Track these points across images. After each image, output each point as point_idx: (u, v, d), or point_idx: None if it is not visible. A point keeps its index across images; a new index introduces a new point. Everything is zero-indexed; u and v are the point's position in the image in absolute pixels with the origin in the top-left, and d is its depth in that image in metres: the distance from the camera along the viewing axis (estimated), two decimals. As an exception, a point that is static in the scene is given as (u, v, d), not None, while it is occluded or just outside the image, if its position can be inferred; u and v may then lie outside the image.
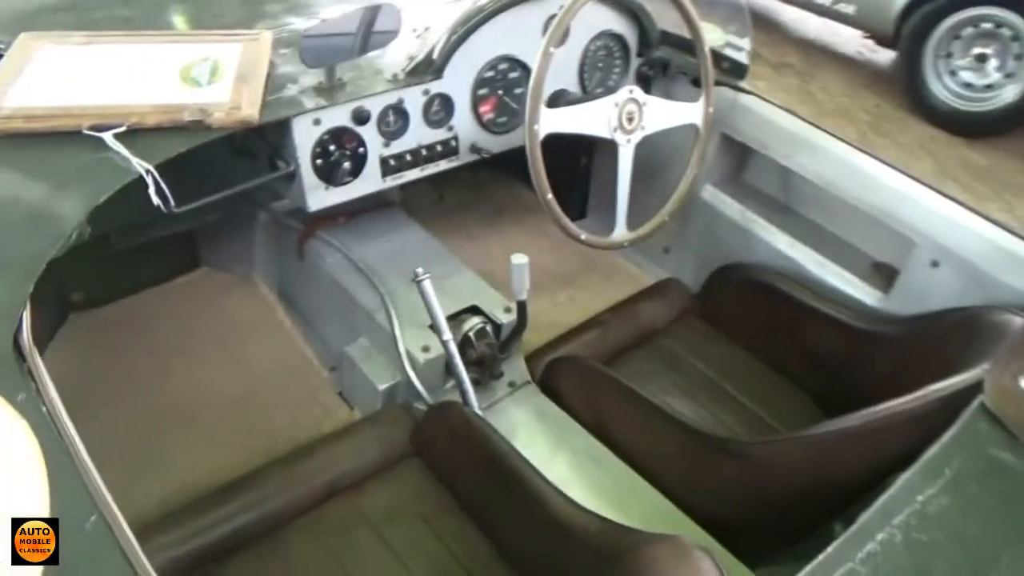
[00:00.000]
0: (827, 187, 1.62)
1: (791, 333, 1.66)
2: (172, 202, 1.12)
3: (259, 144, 1.32)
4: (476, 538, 1.25)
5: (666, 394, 1.56)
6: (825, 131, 1.61)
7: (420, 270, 1.30)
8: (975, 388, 1.05)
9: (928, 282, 1.49)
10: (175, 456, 1.41)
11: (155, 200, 1.09)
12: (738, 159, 1.88)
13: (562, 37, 1.33)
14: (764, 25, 4.68)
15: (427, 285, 1.30)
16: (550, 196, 1.39)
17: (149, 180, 1.08)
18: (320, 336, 1.70)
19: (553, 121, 1.36)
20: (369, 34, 1.32)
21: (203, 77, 1.27)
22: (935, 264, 1.48)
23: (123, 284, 1.71)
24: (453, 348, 1.34)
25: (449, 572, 1.20)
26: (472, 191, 2.07)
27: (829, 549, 0.74)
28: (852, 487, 1.26)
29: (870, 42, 4.21)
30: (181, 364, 1.61)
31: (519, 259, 1.26)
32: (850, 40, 4.56)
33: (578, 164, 2.04)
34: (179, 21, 1.55)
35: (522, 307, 1.33)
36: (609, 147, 1.51)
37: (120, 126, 1.13)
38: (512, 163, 1.59)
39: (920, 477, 0.83)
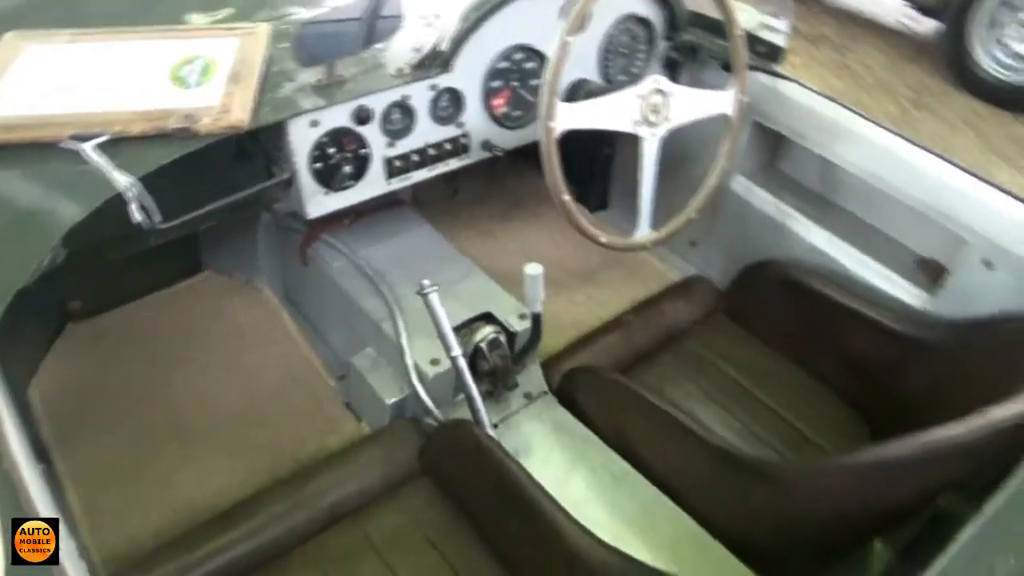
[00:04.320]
0: (869, 179, 1.49)
1: (828, 335, 1.55)
2: (158, 217, 1.05)
3: (254, 147, 1.23)
4: (487, 563, 1.18)
5: (694, 402, 1.47)
6: (868, 118, 1.49)
7: (426, 282, 1.22)
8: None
9: (980, 284, 1.37)
10: (173, 477, 1.35)
11: (137, 217, 1.02)
12: (772, 148, 1.76)
13: (581, 24, 1.22)
14: (798, -6, 4.48)
15: (433, 298, 1.21)
16: (566, 197, 1.30)
17: (130, 195, 1.00)
18: (327, 343, 1.63)
19: (570, 117, 1.26)
20: (373, 25, 1.23)
21: (192, 77, 1.19)
22: (988, 265, 1.35)
23: (123, 290, 1.65)
24: (462, 363, 1.26)
25: (461, 606, 1.13)
26: (488, 183, 1.97)
27: None
28: (897, 513, 1.16)
29: (912, 11, 4.00)
30: (182, 374, 1.54)
31: (533, 269, 1.17)
32: (891, 10, 4.35)
33: (600, 153, 1.93)
34: (175, 13, 1.46)
35: (536, 319, 1.24)
36: (634, 139, 1.40)
37: (103, 135, 1.05)
38: (531, 152, 1.49)
39: (984, 533, 0.73)
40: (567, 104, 1.26)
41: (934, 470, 1.04)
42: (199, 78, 1.19)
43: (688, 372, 1.54)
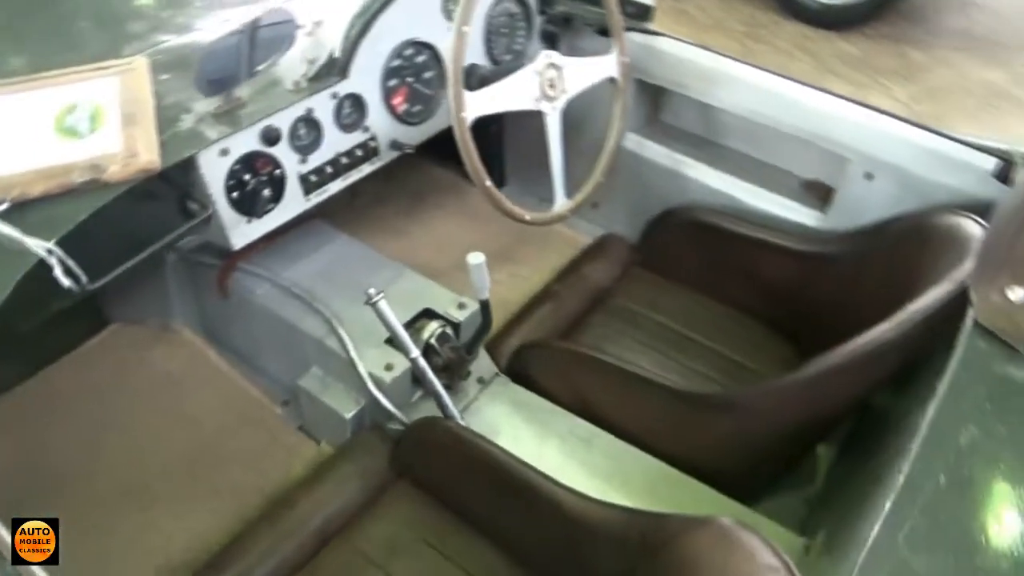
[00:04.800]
0: (751, 116, 1.60)
1: (739, 267, 1.66)
2: (84, 278, 0.99)
3: (162, 187, 1.17)
4: (488, 551, 1.20)
5: (634, 354, 1.54)
6: (742, 61, 1.59)
7: (372, 291, 1.21)
8: (953, 303, 1.07)
9: (865, 195, 1.51)
10: (141, 541, 1.29)
11: (65, 282, 0.96)
12: (653, 102, 1.85)
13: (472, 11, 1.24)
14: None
15: (383, 306, 1.21)
16: (489, 183, 1.32)
17: (53, 261, 0.94)
18: (264, 373, 1.58)
19: (478, 105, 1.28)
20: (255, 42, 1.19)
21: (82, 125, 1.11)
22: (869, 176, 1.49)
23: (26, 363, 1.53)
24: (423, 363, 1.27)
25: (471, 596, 1.16)
26: (385, 183, 1.95)
27: (887, 506, 0.72)
28: (837, 417, 1.28)
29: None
30: (118, 436, 1.45)
31: (476, 258, 1.19)
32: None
33: (489, 132, 1.96)
34: (30, 62, 1.35)
35: (485, 306, 1.26)
36: (526, 113, 1.43)
37: (2, 203, 0.98)
38: (424, 146, 1.50)
39: (944, 412, 0.83)
40: (472, 93, 1.28)
41: (869, 369, 1.14)
42: (90, 125, 1.11)
43: (621, 327, 1.61)
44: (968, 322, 0.95)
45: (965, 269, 1.10)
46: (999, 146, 1.36)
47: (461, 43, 1.21)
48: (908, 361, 1.16)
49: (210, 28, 1.38)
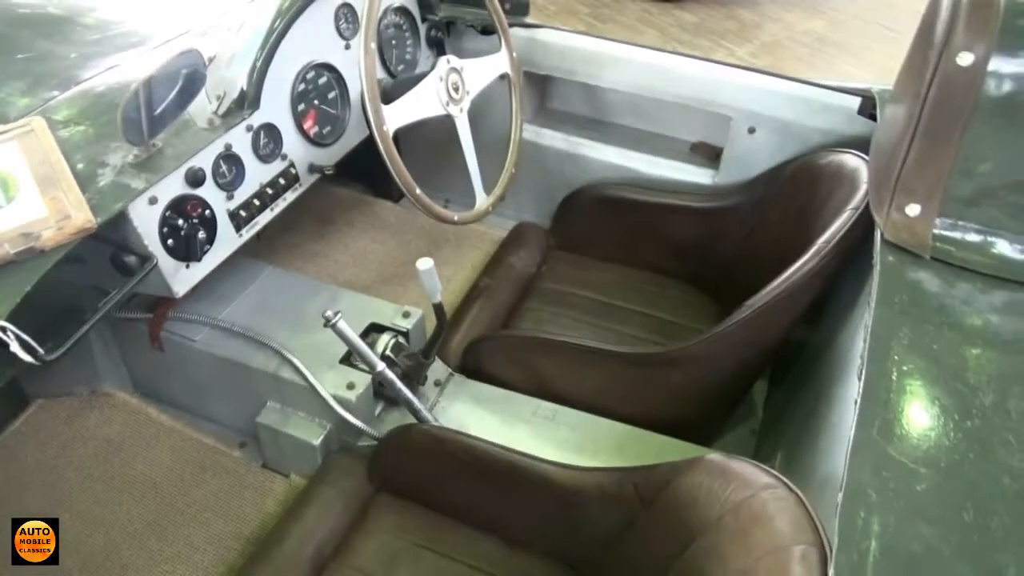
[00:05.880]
0: (637, 91, 1.71)
1: (649, 233, 1.78)
2: (40, 350, 0.95)
3: (91, 247, 1.13)
4: (482, 541, 1.25)
5: (572, 331, 1.62)
6: (622, 42, 1.70)
7: (329, 312, 1.22)
8: (856, 228, 1.21)
9: (750, 148, 1.65)
10: None
11: (24, 356, 0.92)
12: (541, 91, 1.93)
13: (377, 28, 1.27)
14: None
15: (343, 325, 1.22)
16: (419, 191, 1.35)
17: (8, 337, 0.90)
18: (213, 420, 1.54)
19: (395, 117, 1.31)
20: (152, 86, 1.16)
21: (-4, 196, 1.06)
22: (752, 131, 1.64)
23: None
24: (391, 375, 1.29)
25: (479, 584, 1.20)
26: (289, 211, 1.94)
27: (850, 436, 0.81)
28: (774, 350, 1.40)
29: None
30: (66, 516, 1.38)
31: (425, 264, 1.22)
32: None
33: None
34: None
35: (439, 309, 1.30)
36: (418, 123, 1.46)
37: (-66, 289, 0.93)
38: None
39: (880, 320, 0.94)
40: (388, 107, 1.30)
41: (797, 298, 1.27)
42: (4, 195, 1.07)
43: (555, 309, 1.69)
44: (877, 239, 1.08)
45: (859, 197, 1.24)
46: (859, 87, 1.53)
47: (371, 59, 1.24)
48: (825, 289, 1.30)
49: (97, 78, 1.34)
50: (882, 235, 1.07)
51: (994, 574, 0.69)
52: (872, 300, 0.98)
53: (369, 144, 1.32)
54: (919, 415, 0.84)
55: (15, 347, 0.92)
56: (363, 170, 1.81)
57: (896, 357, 0.90)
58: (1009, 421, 0.83)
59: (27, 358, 0.93)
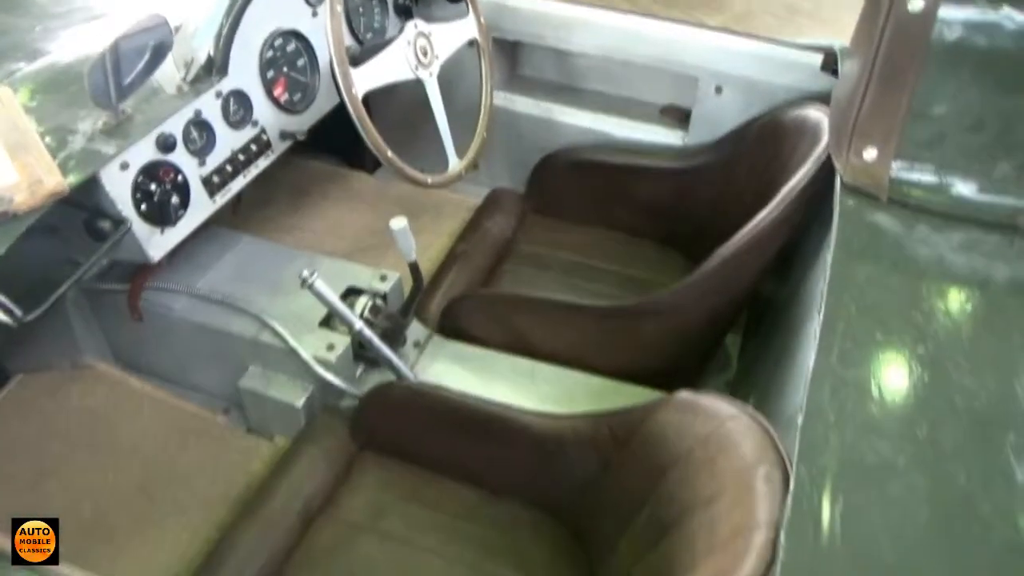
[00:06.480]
0: (609, 54, 1.73)
1: (622, 195, 1.81)
2: (19, 312, 0.96)
3: (63, 213, 1.14)
4: (463, 491, 1.28)
5: (549, 292, 1.64)
6: (592, 6, 1.71)
7: (305, 272, 1.24)
8: (819, 177, 1.24)
9: (718, 108, 1.68)
10: (113, 571, 1.26)
11: (2, 317, 0.93)
12: (511, 57, 1.94)
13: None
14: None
15: (320, 284, 1.24)
16: (391, 154, 1.37)
17: (-13, 298, 0.92)
18: (194, 388, 1.56)
19: (364, 80, 1.32)
20: (119, 53, 1.17)
21: (-34, 164, 1.07)
22: (719, 91, 1.66)
23: None
24: (369, 332, 1.31)
25: (461, 534, 1.23)
26: (264, 184, 1.94)
27: (809, 365, 0.84)
28: (743, 300, 1.44)
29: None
30: (54, 483, 1.39)
31: (398, 223, 1.24)
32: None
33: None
34: None
35: (415, 267, 1.32)
36: (388, 88, 1.47)
37: (-90, 253, 0.94)
38: (297, 143, 1.52)
39: (839, 259, 0.98)
40: (356, 69, 1.31)
41: (765, 246, 1.30)
42: (-25, 162, 1.07)
43: (532, 271, 1.72)
44: (837, 185, 1.11)
45: (821, 148, 1.27)
46: (821, 43, 1.56)
47: (338, 22, 1.25)
48: (792, 237, 1.33)
49: (63, 49, 1.34)
50: (842, 180, 1.11)
51: (946, 482, 0.73)
52: (832, 241, 1.01)
53: (342, 112, 1.33)
54: (875, 343, 0.87)
55: (-6, 307, 0.93)
56: (338, 142, 1.82)
57: (854, 291, 0.94)
58: (960, 345, 0.87)
59: (4, 318, 0.94)
